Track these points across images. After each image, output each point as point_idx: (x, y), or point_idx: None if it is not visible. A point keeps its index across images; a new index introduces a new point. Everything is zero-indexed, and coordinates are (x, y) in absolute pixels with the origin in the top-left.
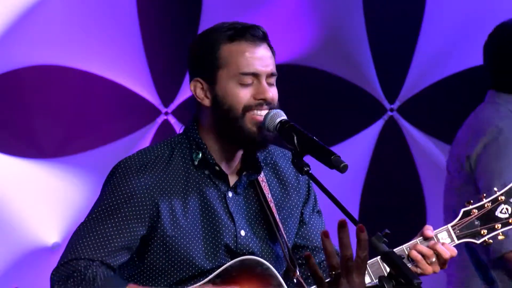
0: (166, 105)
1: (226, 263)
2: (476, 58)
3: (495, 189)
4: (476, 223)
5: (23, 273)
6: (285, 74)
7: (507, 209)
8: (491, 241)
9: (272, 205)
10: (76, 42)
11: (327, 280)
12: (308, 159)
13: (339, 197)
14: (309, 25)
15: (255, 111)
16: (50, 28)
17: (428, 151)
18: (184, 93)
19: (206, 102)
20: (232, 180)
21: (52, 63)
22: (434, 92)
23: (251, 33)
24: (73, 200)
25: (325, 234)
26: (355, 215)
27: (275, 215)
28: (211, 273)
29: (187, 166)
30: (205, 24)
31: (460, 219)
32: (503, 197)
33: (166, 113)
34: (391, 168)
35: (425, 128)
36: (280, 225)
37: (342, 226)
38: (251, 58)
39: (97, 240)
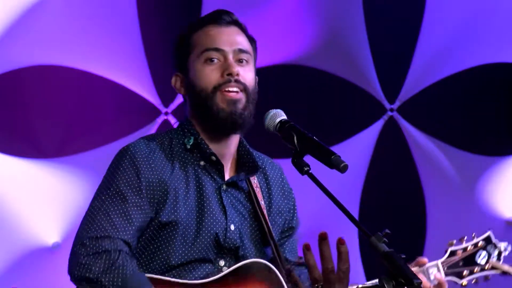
0: (166, 105)
1: (209, 255)
2: (476, 58)
3: (473, 234)
4: (460, 263)
5: (23, 273)
6: (285, 74)
7: (485, 255)
8: (466, 283)
9: (263, 207)
10: (76, 42)
11: None
12: (308, 158)
13: (339, 197)
14: (309, 25)
15: (224, 89)
16: (50, 28)
17: (428, 151)
18: None
19: (182, 91)
20: (228, 175)
21: (52, 63)
22: (434, 92)
23: (217, 17)
24: (73, 200)
25: (307, 247)
26: (355, 215)
27: (266, 217)
28: (193, 264)
29: (185, 156)
30: None
31: (448, 257)
32: (483, 243)
33: (166, 113)
34: (391, 168)
35: (425, 128)
36: (271, 227)
37: (323, 238)
38: (214, 36)
39: (120, 220)
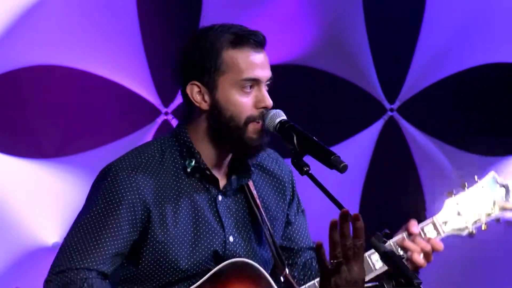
0: (166, 105)
1: (211, 268)
2: (476, 58)
3: (476, 177)
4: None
5: (23, 273)
6: (285, 74)
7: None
8: (474, 231)
9: (259, 205)
10: (76, 42)
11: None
12: (307, 159)
13: (339, 197)
14: (309, 25)
15: (257, 120)
16: (50, 28)
17: (428, 151)
18: None
19: (204, 106)
20: (222, 183)
21: (52, 63)
22: (434, 92)
23: (254, 39)
24: (73, 200)
25: (333, 225)
26: None
27: (263, 215)
28: (195, 278)
29: (177, 171)
30: (205, 24)
31: (444, 210)
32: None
33: (166, 113)
34: (391, 168)
35: (425, 128)
36: (269, 225)
37: (344, 217)
38: (254, 64)
39: (91, 248)
